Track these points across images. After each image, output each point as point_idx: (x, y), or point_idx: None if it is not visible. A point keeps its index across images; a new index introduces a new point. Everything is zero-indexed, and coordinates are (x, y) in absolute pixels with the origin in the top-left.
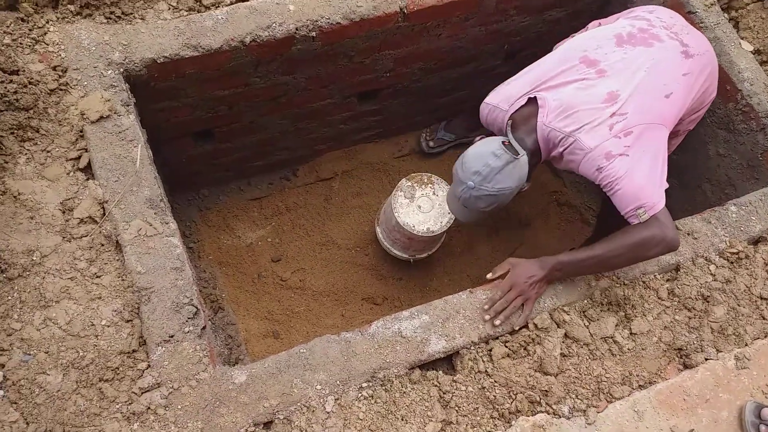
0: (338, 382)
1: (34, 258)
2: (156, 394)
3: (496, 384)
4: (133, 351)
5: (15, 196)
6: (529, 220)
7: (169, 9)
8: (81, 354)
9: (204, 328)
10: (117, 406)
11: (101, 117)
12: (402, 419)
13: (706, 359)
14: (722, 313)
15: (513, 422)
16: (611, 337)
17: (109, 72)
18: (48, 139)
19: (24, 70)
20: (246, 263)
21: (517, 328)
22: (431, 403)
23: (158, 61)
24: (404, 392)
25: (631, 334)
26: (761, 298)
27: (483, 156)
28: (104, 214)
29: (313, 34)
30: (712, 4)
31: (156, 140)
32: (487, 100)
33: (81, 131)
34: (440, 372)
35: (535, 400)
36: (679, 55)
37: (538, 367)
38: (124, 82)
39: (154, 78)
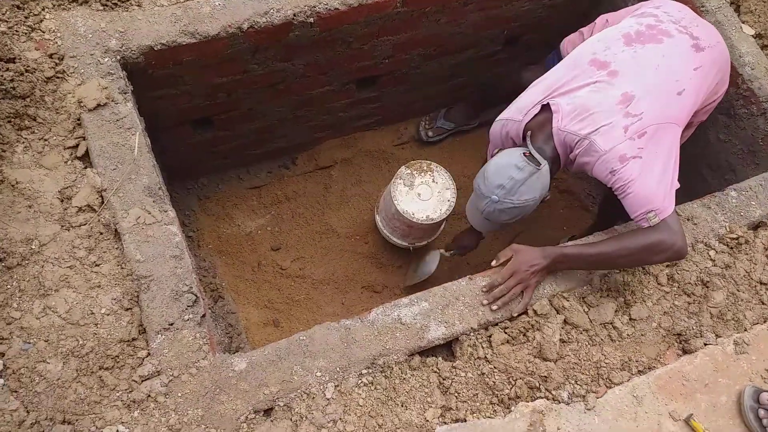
0: (338, 368)
1: (33, 247)
2: (156, 381)
3: (495, 370)
4: (133, 339)
5: (13, 185)
6: None
7: None
8: (81, 342)
9: (203, 315)
10: (117, 394)
11: (98, 105)
12: (402, 405)
13: (706, 344)
14: (722, 299)
15: (512, 408)
16: (611, 323)
17: (106, 59)
18: (45, 128)
19: (20, 58)
20: (245, 252)
21: (515, 315)
22: (431, 389)
23: (155, 49)
24: (404, 379)
25: (630, 319)
26: (761, 283)
27: (506, 169)
28: (103, 202)
29: (311, 19)
30: None
31: (154, 128)
32: (499, 117)
33: (78, 119)
34: (440, 358)
35: (534, 385)
36: (689, 50)
37: (538, 353)
38: (121, 70)
39: (152, 65)
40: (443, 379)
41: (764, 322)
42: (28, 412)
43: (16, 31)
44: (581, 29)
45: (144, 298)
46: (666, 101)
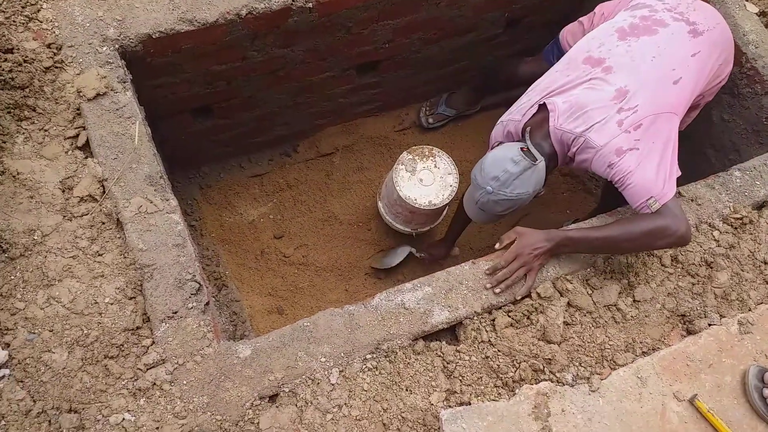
0: (342, 354)
1: (36, 237)
2: (161, 370)
3: (499, 353)
4: (137, 328)
5: (14, 176)
6: None
7: None
8: (85, 332)
9: (207, 303)
10: (123, 383)
11: (98, 94)
12: (406, 390)
13: (710, 325)
14: (726, 279)
15: (517, 391)
16: (614, 305)
17: (105, 48)
18: (45, 118)
19: (18, 49)
20: (248, 240)
21: (518, 299)
22: (435, 373)
23: (154, 37)
24: (408, 363)
25: (634, 301)
26: (765, 263)
27: (502, 162)
28: (104, 192)
29: (310, 5)
30: None
31: (154, 117)
32: (500, 119)
33: (78, 109)
34: (444, 342)
35: (538, 368)
36: (686, 36)
37: (542, 336)
38: (119, 59)
39: (150, 54)
40: (447, 363)
41: None
42: (34, 401)
43: (14, 21)
44: (581, 18)
45: (147, 286)
46: (662, 92)
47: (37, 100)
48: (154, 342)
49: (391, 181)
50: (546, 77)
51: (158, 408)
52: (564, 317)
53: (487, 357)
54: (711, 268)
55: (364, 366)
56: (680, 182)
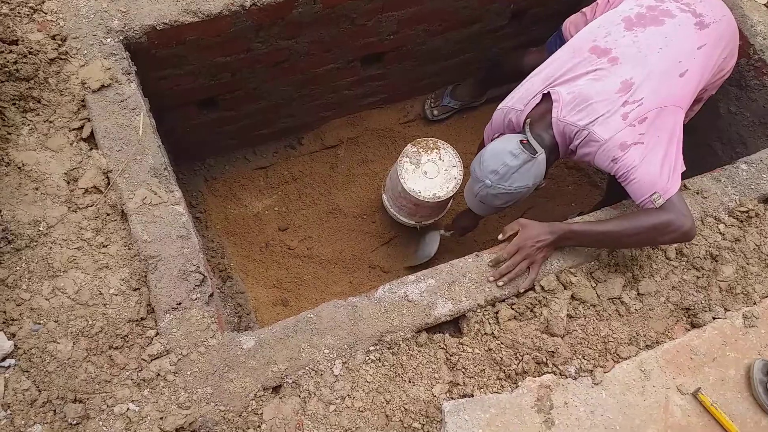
0: (346, 346)
1: (41, 228)
2: (165, 360)
3: (502, 346)
4: (142, 319)
5: (19, 167)
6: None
7: None
8: (90, 322)
9: (212, 295)
10: (127, 373)
11: (102, 86)
12: (409, 381)
13: (714, 318)
14: (731, 272)
15: (520, 383)
16: (618, 298)
17: (109, 40)
18: (50, 110)
19: (23, 40)
20: (253, 232)
21: (522, 291)
22: (438, 365)
23: (158, 28)
24: (411, 355)
25: (638, 294)
26: None
27: (501, 155)
28: (109, 183)
29: None
30: None
31: (159, 109)
32: (500, 105)
33: (83, 101)
34: (447, 335)
35: (541, 361)
36: (692, 28)
37: (545, 329)
38: (124, 50)
39: (155, 45)
40: (450, 355)
41: None
42: (39, 391)
43: (18, 12)
44: (584, 9)
45: (152, 278)
46: (668, 85)
47: (41, 92)
48: (158, 333)
49: (396, 174)
50: (550, 63)
51: (162, 398)
52: (567, 310)
53: (490, 349)
54: (716, 261)
55: (367, 358)
56: (686, 175)
